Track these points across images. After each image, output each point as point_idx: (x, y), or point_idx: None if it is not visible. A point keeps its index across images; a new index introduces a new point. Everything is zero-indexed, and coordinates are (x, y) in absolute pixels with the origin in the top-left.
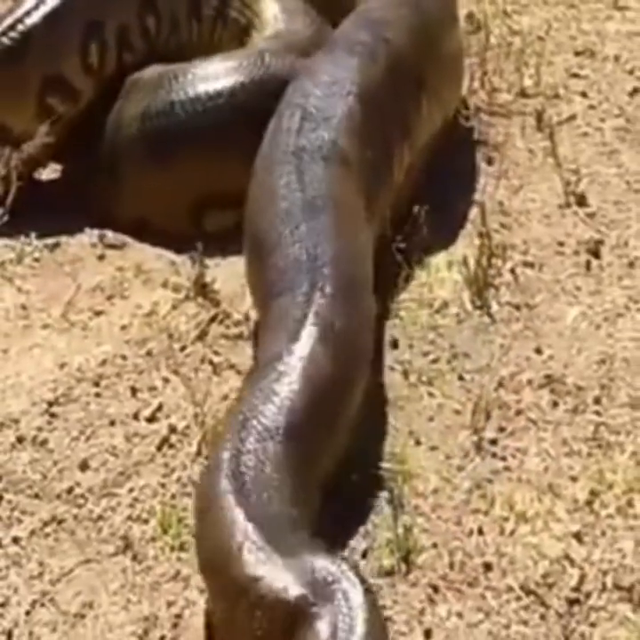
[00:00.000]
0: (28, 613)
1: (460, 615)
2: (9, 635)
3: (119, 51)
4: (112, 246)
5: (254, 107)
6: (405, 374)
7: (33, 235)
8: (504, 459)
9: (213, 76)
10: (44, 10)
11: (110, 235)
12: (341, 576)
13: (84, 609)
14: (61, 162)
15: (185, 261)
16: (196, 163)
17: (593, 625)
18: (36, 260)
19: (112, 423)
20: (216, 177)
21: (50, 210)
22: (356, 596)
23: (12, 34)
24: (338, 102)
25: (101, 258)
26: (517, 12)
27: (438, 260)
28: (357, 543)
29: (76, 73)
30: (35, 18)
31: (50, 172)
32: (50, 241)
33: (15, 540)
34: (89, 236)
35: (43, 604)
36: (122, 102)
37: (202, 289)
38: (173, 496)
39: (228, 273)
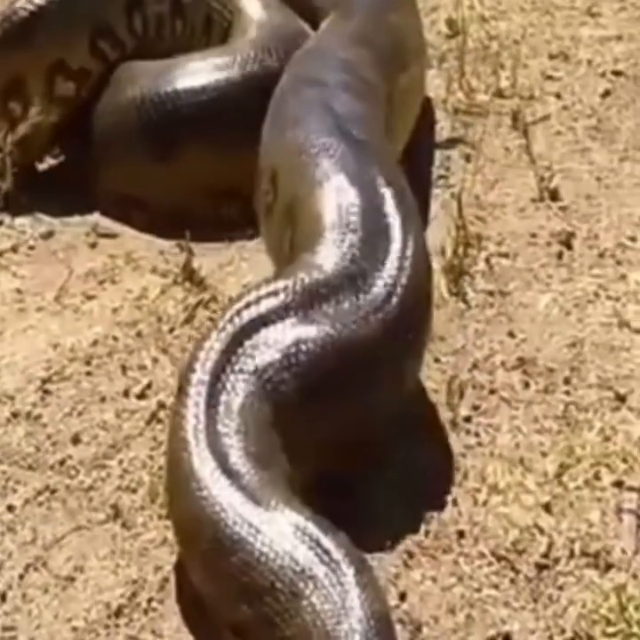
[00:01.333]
0: (21, 577)
1: (434, 579)
2: (3, 596)
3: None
4: (104, 235)
5: (249, 97)
6: None
7: (28, 223)
8: (477, 435)
9: (209, 67)
10: None
11: (102, 224)
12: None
13: (75, 573)
14: (60, 148)
15: (173, 249)
16: (199, 151)
17: (560, 588)
18: (31, 247)
19: (103, 400)
20: (218, 166)
21: (46, 198)
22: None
23: None
24: None
25: (94, 246)
26: (495, 17)
27: None
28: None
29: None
30: None
31: (47, 161)
32: (44, 229)
33: (10, 509)
34: (82, 225)
35: (36, 568)
36: (115, 89)
37: (189, 275)
38: (161, 468)
39: (214, 259)
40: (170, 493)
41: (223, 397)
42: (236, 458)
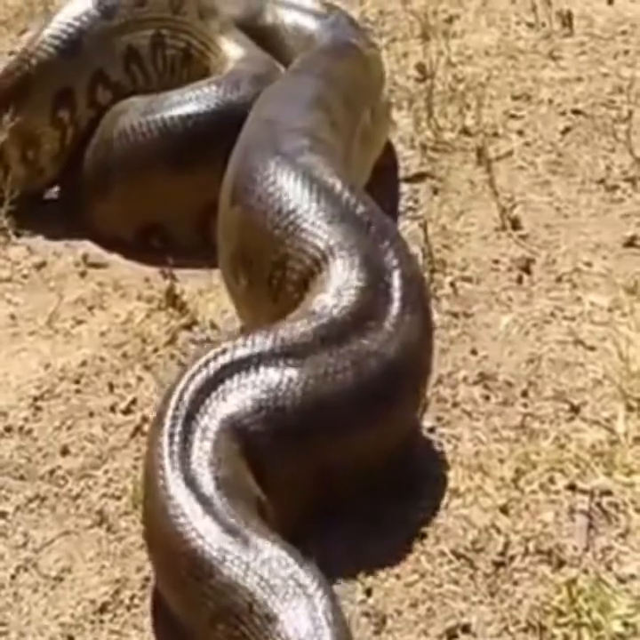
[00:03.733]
0: (13, 577)
1: (397, 576)
2: None
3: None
4: (93, 265)
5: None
6: None
7: (23, 254)
8: (440, 444)
9: (194, 99)
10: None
11: (92, 254)
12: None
13: (63, 573)
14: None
15: (157, 276)
16: (206, 173)
17: (516, 583)
18: (25, 276)
19: (91, 415)
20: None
21: (39, 231)
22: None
23: None
24: None
25: (83, 275)
26: (462, 62)
27: None
28: None
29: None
30: None
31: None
32: (37, 260)
33: (3, 515)
34: (73, 255)
35: (26, 569)
36: (107, 125)
37: (172, 300)
38: None
39: (196, 286)
40: (146, 522)
41: (197, 434)
42: (210, 487)
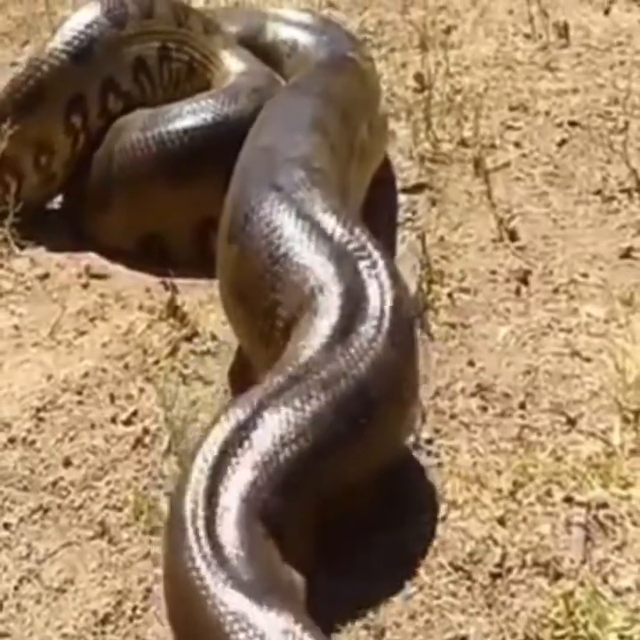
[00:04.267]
0: (16, 588)
1: (396, 589)
2: (0, 606)
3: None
4: (95, 276)
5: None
6: None
7: (26, 266)
8: (438, 455)
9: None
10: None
11: (94, 266)
12: None
13: (65, 584)
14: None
15: (158, 288)
16: (204, 186)
17: (513, 595)
18: (28, 288)
19: (93, 426)
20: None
21: (42, 244)
22: None
23: None
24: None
25: (86, 286)
26: (460, 72)
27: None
28: None
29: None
30: None
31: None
32: (41, 271)
33: (6, 526)
34: (75, 267)
35: (29, 580)
36: (113, 138)
37: (173, 311)
38: (145, 488)
39: (196, 297)
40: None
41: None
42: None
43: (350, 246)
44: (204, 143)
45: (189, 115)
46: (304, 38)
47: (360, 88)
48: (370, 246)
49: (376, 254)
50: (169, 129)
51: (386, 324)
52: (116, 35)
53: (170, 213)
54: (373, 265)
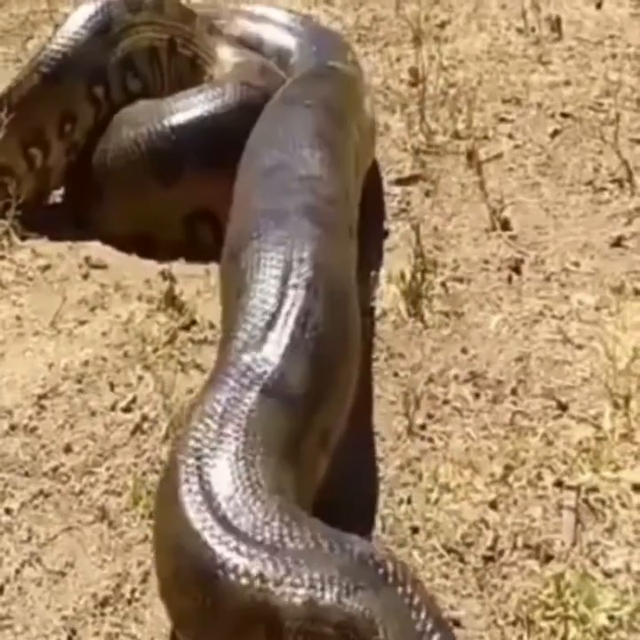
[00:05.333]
0: (17, 572)
1: None
2: (1, 589)
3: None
4: (95, 267)
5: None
6: None
7: (28, 258)
8: (431, 440)
9: (200, 102)
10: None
11: (94, 257)
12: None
13: (66, 568)
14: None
15: (157, 278)
16: (192, 181)
17: (504, 577)
18: (30, 279)
19: (93, 413)
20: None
21: (44, 235)
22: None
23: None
24: None
25: (86, 277)
26: (454, 66)
27: (380, 275)
28: None
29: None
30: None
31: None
32: (42, 262)
33: (7, 511)
34: (76, 258)
35: (31, 564)
36: (115, 130)
37: (171, 301)
38: (144, 473)
39: (194, 287)
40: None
41: None
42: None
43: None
44: (190, 137)
45: (182, 109)
46: (287, 43)
47: (348, 91)
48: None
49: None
50: (163, 123)
51: None
52: (132, 19)
53: (160, 207)
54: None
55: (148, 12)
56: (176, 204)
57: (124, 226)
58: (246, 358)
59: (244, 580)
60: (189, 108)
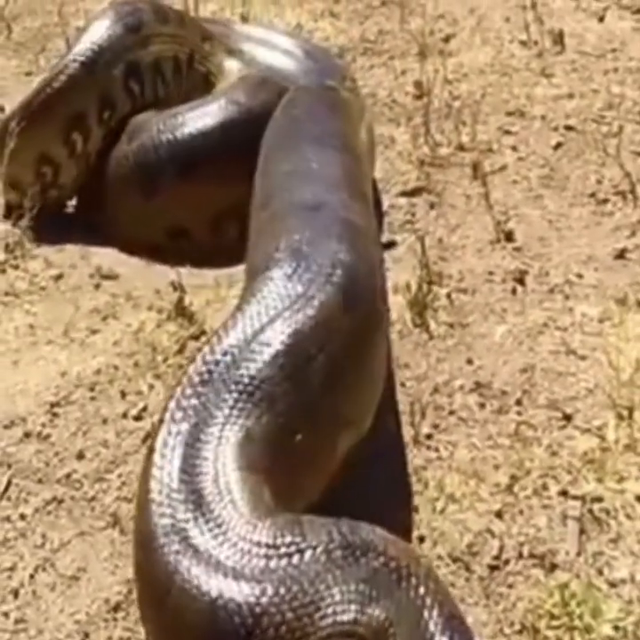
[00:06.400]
0: (31, 576)
1: None
2: (16, 593)
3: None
4: (107, 277)
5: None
6: None
7: (41, 267)
8: (437, 450)
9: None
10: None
11: (105, 267)
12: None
13: (79, 573)
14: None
15: (167, 288)
16: (210, 181)
17: (510, 586)
18: (43, 288)
19: (105, 421)
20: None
21: (56, 245)
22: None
23: None
24: None
25: (97, 286)
26: (458, 79)
27: (385, 286)
28: None
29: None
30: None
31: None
32: (55, 272)
33: (22, 517)
34: (88, 268)
35: (44, 569)
36: (129, 137)
37: (181, 311)
38: None
39: (204, 297)
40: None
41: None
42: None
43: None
44: (213, 142)
45: (198, 117)
46: (285, 65)
47: (349, 111)
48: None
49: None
50: (183, 130)
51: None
52: (159, 28)
53: (186, 208)
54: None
55: (173, 25)
56: (202, 204)
57: (124, 232)
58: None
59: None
60: (175, 123)
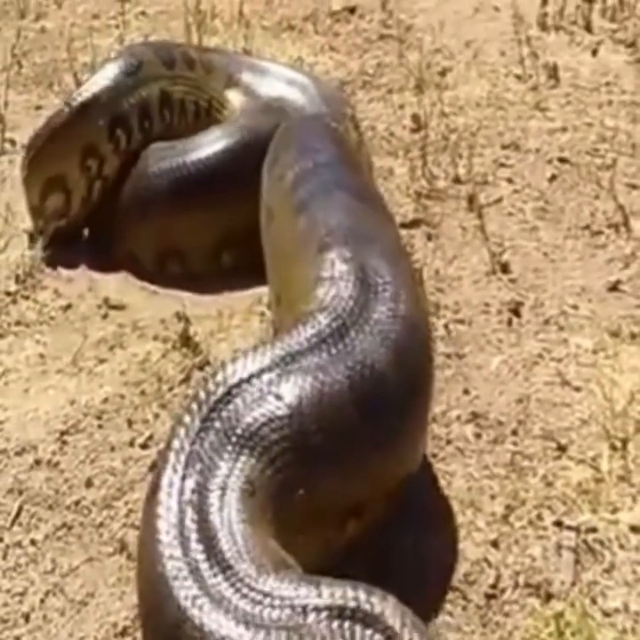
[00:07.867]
0: (42, 601)
1: None
2: (27, 618)
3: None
4: (114, 307)
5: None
6: None
7: (50, 298)
8: (434, 480)
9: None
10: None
11: (113, 297)
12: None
13: (87, 598)
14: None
15: (172, 319)
16: (212, 208)
17: (506, 615)
18: (52, 318)
19: (112, 449)
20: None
21: (65, 276)
22: None
23: None
24: None
25: (105, 316)
26: (454, 112)
27: None
28: None
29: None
30: None
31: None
32: (63, 303)
33: (33, 542)
34: (95, 298)
35: (54, 594)
36: (142, 167)
37: (186, 341)
38: None
39: (208, 327)
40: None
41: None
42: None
43: None
44: (220, 169)
45: (208, 145)
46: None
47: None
48: None
49: None
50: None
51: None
52: (165, 71)
53: (189, 232)
54: None
55: (181, 65)
56: (205, 229)
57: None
58: None
59: None
60: (170, 155)
